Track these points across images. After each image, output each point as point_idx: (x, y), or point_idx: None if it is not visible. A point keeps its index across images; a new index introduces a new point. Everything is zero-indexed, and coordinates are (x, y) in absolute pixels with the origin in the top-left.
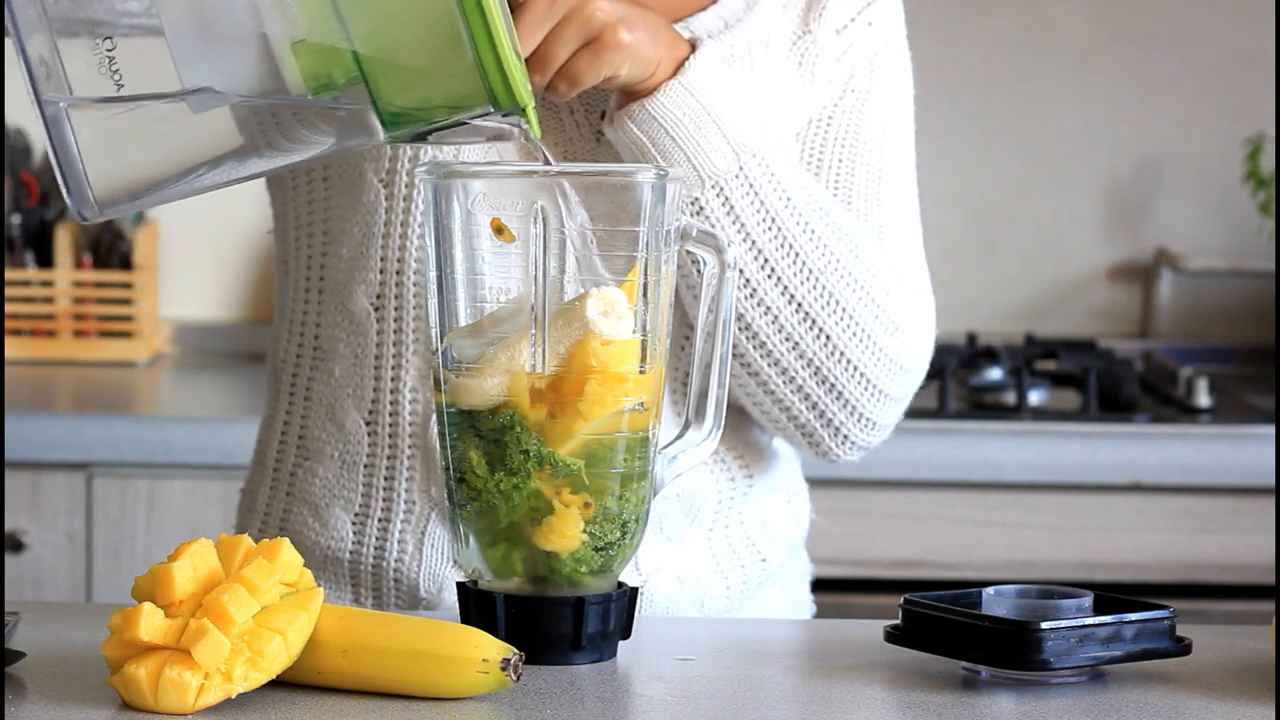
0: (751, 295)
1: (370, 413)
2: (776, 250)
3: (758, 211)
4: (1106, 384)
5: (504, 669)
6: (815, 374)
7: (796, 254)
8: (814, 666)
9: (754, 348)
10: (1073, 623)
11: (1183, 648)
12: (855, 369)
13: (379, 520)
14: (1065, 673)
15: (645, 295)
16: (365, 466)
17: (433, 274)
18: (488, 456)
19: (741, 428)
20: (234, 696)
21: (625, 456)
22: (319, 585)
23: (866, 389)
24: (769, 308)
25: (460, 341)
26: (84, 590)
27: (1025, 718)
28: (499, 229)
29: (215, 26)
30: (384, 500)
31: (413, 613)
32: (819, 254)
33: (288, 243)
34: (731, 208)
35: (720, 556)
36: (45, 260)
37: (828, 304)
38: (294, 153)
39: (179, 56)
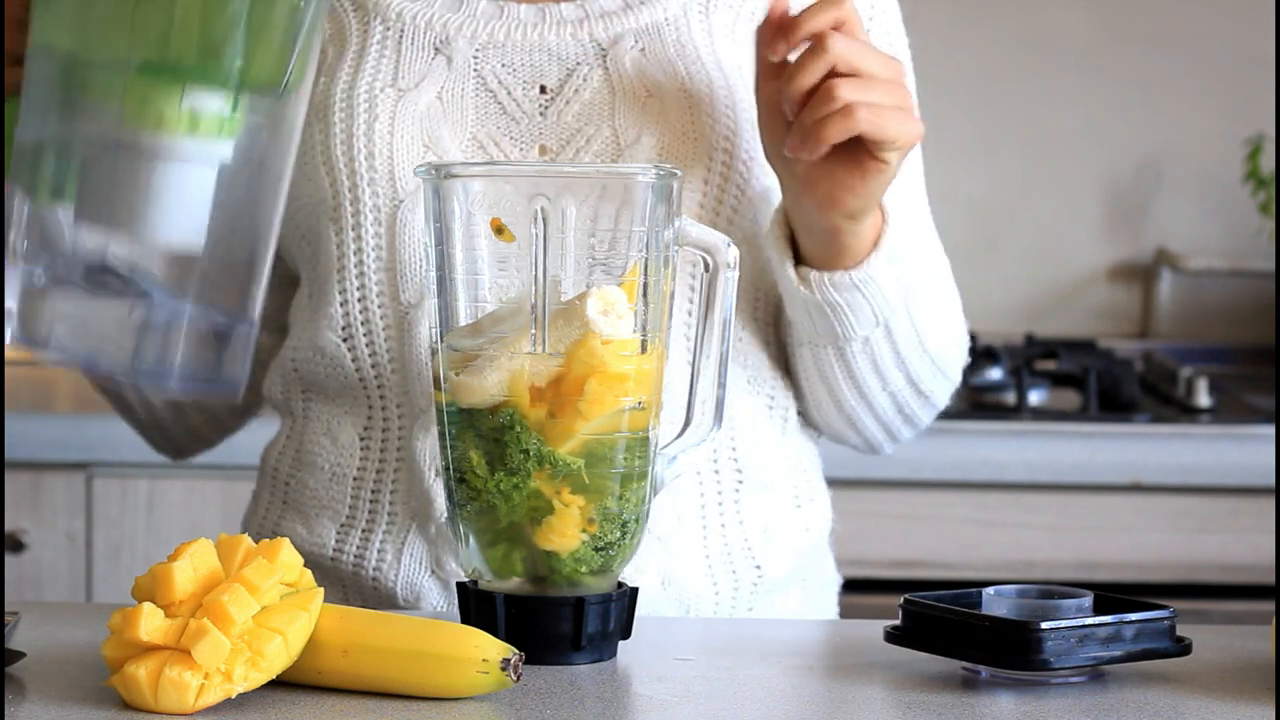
0: (876, 370)
1: (365, 428)
2: (908, 343)
3: (909, 326)
4: (1106, 384)
5: (504, 669)
6: (900, 413)
7: (923, 345)
8: (814, 666)
9: (859, 405)
10: (1073, 623)
11: (1183, 648)
12: (931, 403)
13: (362, 530)
14: (1065, 673)
15: (645, 295)
16: (354, 479)
17: (433, 274)
18: (488, 456)
19: (736, 423)
20: (234, 696)
21: (625, 456)
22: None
23: (932, 411)
24: (884, 380)
25: (460, 341)
26: (84, 590)
27: (1025, 718)
28: (499, 229)
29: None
30: (369, 511)
31: (412, 613)
32: (937, 339)
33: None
34: (890, 332)
35: (714, 558)
36: None
37: (933, 370)
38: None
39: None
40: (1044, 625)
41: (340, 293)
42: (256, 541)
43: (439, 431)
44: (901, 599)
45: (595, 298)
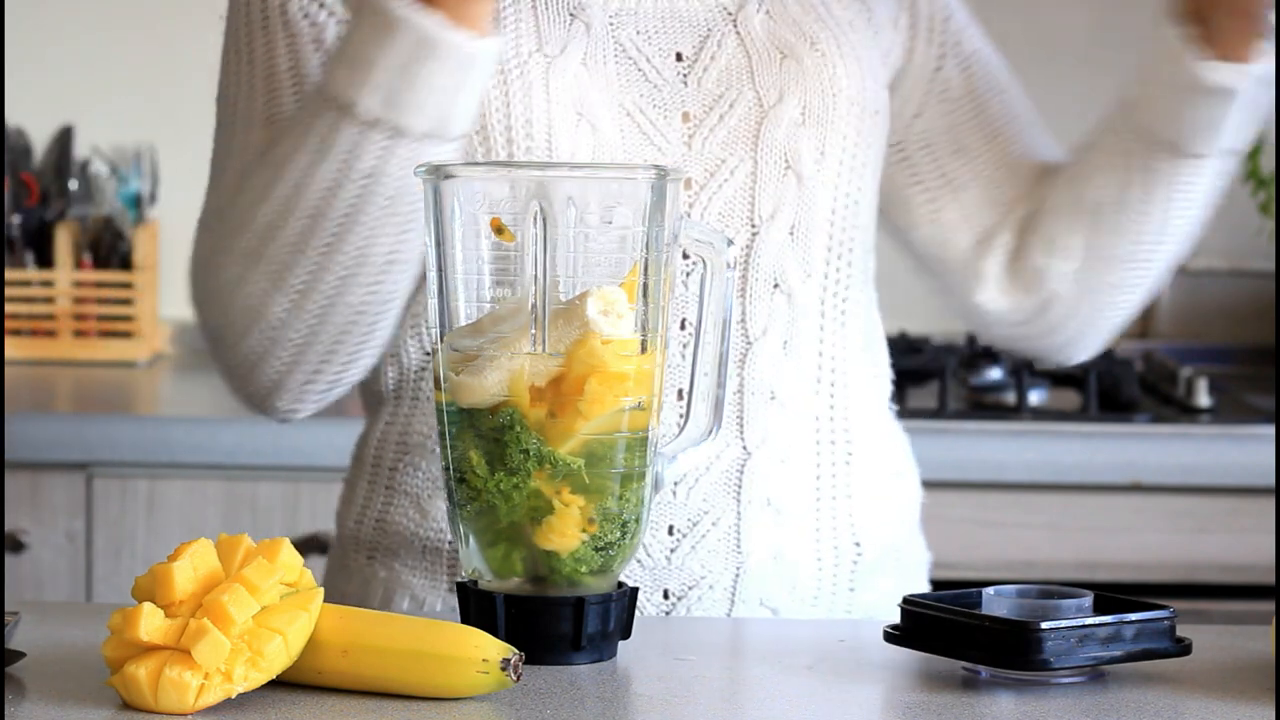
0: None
1: None
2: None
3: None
4: (1106, 384)
5: (504, 669)
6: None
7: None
8: (814, 666)
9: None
10: (1073, 623)
11: (1183, 648)
12: (1145, 286)
13: None
14: (1065, 673)
15: (645, 295)
16: None
17: (433, 274)
18: (488, 456)
19: (849, 389)
20: (234, 696)
21: (625, 456)
22: (414, 576)
23: (1141, 301)
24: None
25: (460, 341)
26: (84, 590)
27: (1025, 718)
28: (499, 229)
29: None
30: None
31: (415, 613)
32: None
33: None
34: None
35: (823, 532)
36: (45, 260)
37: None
38: None
39: None
40: (1044, 625)
41: None
42: (358, 533)
43: (439, 431)
44: (901, 599)
45: (595, 298)
